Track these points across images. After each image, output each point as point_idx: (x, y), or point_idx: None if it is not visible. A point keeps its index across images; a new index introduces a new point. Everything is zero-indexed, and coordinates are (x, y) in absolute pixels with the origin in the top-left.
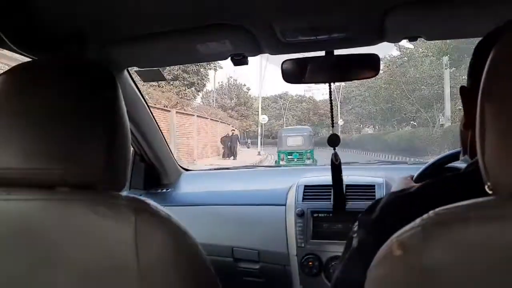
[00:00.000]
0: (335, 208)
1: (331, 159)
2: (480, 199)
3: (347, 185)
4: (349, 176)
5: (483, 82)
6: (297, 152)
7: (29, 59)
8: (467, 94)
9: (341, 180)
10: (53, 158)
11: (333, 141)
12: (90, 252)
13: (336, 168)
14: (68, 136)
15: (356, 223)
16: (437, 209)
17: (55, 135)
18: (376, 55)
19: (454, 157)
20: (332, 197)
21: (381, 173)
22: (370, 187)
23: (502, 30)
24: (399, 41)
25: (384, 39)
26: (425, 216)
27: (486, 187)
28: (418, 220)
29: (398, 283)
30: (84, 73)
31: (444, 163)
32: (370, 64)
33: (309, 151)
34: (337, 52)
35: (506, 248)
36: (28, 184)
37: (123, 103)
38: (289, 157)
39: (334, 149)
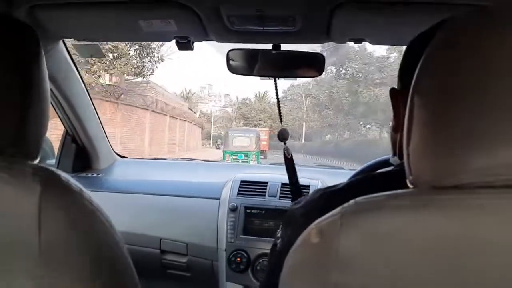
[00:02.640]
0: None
1: (284, 153)
2: (399, 191)
3: (282, 184)
4: (285, 176)
5: (415, 80)
6: (242, 153)
7: None
8: (396, 96)
9: (295, 173)
10: None
11: (283, 135)
12: None
13: (288, 160)
14: None
15: (281, 225)
16: (357, 198)
17: None
18: (321, 55)
19: (385, 163)
20: (266, 192)
21: (317, 175)
22: (305, 188)
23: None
24: (345, 42)
25: (330, 38)
26: (345, 204)
27: (407, 181)
28: (338, 209)
29: (313, 269)
30: (5, 31)
31: (375, 169)
32: (315, 64)
33: (255, 153)
34: (285, 48)
35: (419, 237)
36: None
37: (45, 70)
38: (233, 157)
39: (285, 143)
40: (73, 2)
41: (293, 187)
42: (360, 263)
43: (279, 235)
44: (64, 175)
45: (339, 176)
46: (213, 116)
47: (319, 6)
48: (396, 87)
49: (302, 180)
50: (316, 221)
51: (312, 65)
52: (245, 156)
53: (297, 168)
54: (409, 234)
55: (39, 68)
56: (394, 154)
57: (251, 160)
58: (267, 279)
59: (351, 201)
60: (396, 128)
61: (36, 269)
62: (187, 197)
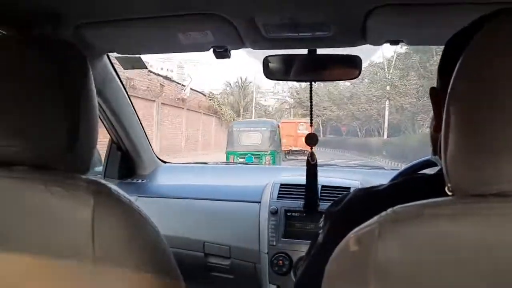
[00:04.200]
0: (306, 208)
1: (307, 159)
2: (437, 199)
3: (322, 186)
4: (326, 177)
5: (452, 82)
6: (251, 154)
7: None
8: (436, 96)
9: (315, 180)
10: (12, 136)
11: (311, 140)
12: (46, 232)
13: (310, 167)
14: (30, 114)
15: (322, 218)
16: (395, 207)
17: (16, 112)
18: (358, 57)
19: (427, 163)
20: (306, 196)
21: (358, 176)
22: (346, 189)
23: (468, 31)
24: (381, 44)
25: (366, 41)
26: (383, 213)
27: (446, 188)
28: (376, 217)
29: (353, 277)
30: (53, 51)
31: (417, 170)
32: (352, 66)
33: (269, 152)
34: (320, 51)
35: (458, 246)
36: None
37: (93, 86)
38: (240, 160)
39: (311, 148)
40: (117, 19)
41: (310, 194)
42: (399, 272)
43: (321, 225)
44: (114, 187)
45: (380, 177)
46: (272, 108)
47: (353, 11)
48: (436, 86)
49: (341, 182)
50: (355, 230)
51: (350, 67)
52: (255, 157)
53: (336, 168)
54: (448, 243)
55: (87, 84)
56: (435, 153)
57: (265, 163)
58: (305, 270)
59: (389, 210)
60: (436, 128)
61: (91, 273)
62: (228, 201)
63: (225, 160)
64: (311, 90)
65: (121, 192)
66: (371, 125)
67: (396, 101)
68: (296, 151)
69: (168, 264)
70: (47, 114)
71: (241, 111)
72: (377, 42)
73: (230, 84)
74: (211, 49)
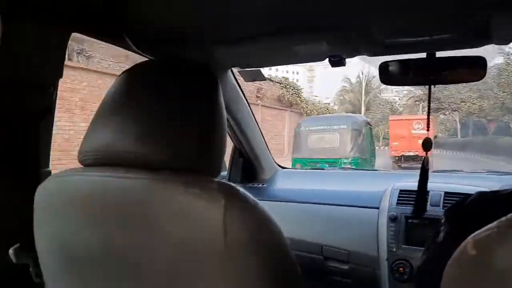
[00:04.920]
0: (415, 214)
1: (422, 163)
2: None
3: (446, 193)
4: (450, 184)
5: None
6: (325, 162)
7: (145, 59)
8: None
9: (426, 185)
10: (159, 145)
11: (428, 144)
12: (184, 227)
13: (424, 172)
14: (172, 126)
15: (443, 216)
16: None
17: (161, 125)
18: (483, 58)
19: None
20: (428, 202)
21: (487, 183)
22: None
23: None
24: (507, 43)
25: (491, 41)
26: (503, 218)
27: None
28: (495, 222)
29: (471, 283)
30: (189, 72)
31: None
32: (476, 67)
33: (350, 160)
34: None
35: None
36: (140, 166)
37: (222, 100)
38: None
39: (426, 153)
40: (241, 37)
41: (418, 200)
42: None
43: (442, 221)
44: (242, 190)
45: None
46: (399, 104)
47: (475, 9)
48: None
49: (466, 188)
50: (474, 234)
51: (473, 69)
52: (330, 165)
53: (463, 174)
54: None
55: (217, 99)
56: None
57: None
58: (423, 266)
59: (509, 215)
60: None
61: (222, 266)
62: (347, 206)
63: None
64: (429, 95)
65: (248, 194)
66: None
67: None
68: (410, 157)
69: (291, 264)
70: (185, 126)
71: (363, 109)
72: (504, 41)
73: (349, 79)
74: (327, 59)
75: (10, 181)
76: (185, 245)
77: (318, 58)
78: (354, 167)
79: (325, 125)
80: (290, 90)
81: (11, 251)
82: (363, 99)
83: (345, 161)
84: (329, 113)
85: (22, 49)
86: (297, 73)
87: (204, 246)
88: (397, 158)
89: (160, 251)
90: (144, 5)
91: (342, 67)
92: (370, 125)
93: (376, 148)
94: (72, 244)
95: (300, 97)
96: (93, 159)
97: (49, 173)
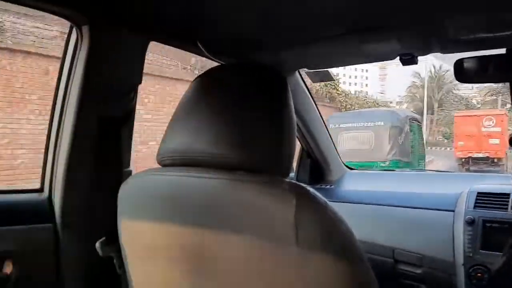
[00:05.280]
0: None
1: None
2: None
3: None
4: None
5: None
6: (360, 167)
7: (217, 64)
8: None
9: None
10: (234, 147)
11: None
12: (257, 225)
13: None
14: (244, 129)
15: None
16: None
17: (234, 128)
18: None
19: None
20: (509, 205)
21: None
22: None
23: None
24: None
25: None
26: None
27: None
28: None
29: None
30: (260, 75)
31: None
32: None
33: (388, 164)
34: None
35: None
36: (216, 166)
37: (291, 102)
38: None
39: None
40: (308, 39)
41: None
42: None
43: None
44: (312, 190)
45: None
46: (476, 100)
47: None
48: None
49: None
50: None
51: None
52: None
53: None
54: None
55: (287, 101)
56: None
57: None
58: (502, 267)
59: None
60: None
61: (296, 263)
62: (419, 209)
63: None
64: (511, 92)
65: (317, 194)
66: None
67: None
68: (479, 159)
69: (362, 263)
70: (258, 128)
71: (435, 106)
72: None
73: (419, 74)
74: (397, 57)
75: (97, 180)
76: (259, 243)
77: (388, 57)
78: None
79: (357, 122)
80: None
81: (97, 244)
82: (436, 97)
83: (381, 164)
84: (374, 107)
85: (107, 58)
86: (366, 70)
87: (276, 244)
88: (463, 160)
89: (235, 247)
90: (217, 12)
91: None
92: (418, 121)
93: (446, 149)
94: (152, 237)
95: (337, 89)
96: (171, 160)
97: (130, 172)
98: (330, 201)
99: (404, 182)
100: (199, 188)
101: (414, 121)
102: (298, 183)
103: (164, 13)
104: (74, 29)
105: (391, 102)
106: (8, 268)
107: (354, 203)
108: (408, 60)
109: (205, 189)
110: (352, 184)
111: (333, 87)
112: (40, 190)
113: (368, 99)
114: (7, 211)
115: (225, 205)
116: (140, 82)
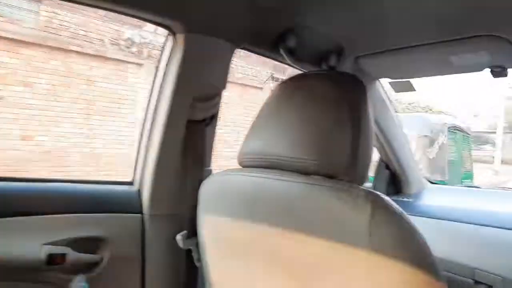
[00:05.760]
0: None
1: None
2: None
3: None
4: None
5: None
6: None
7: (299, 71)
8: None
9: None
10: (310, 151)
11: None
12: (331, 230)
13: None
14: (323, 135)
15: None
16: None
17: (313, 133)
18: None
19: None
20: None
21: None
22: None
23: None
24: None
25: None
26: None
27: None
28: None
29: None
30: (340, 83)
31: None
32: None
33: None
34: None
35: None
36: (293, 170)
37: (371, 111)
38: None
39: None
40: (392, 48)
41: None
42: None
43: None
44: (388, 199)
45: None
46: None
47: None
48: None
49: None
50: None
51: None
52: None
53: None
54: None
55: (365, 110)
56: None
57: None
58: None
59: None
60: None
61: (368, 269)
62: (504, 229)
63: None
64: None
65: (394, 203)
66: None
67: None
68: None
69: (436, 268)
70: (335, 135)
71: None
72: None
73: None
74: (486, 69)
75: (181, 177)
76: (332, 246)
77: (475, 68)
78: None
79: None
80: None
81: (178, 237)
82: None
83: None
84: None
85: (197, 64)
86: None
87: (349, 250)
88: None
89: (309, 248)
90: (303, 23)
91: None
92: (463, 131)
93: None
94: (231, 234)
95: None
96: (251, 162)
97: (211, 171)
98: (409, 214)
99: (489, 199)
100: (277, 190)
101: (456, 130)
102: (374, 191)
103: (252, 23)
104: (170, 37)
105: None
106: (101, 251)
107: (433, 218)
108: (499, 72)
109: (283, 191)
110: (432, 198)
111: None
112: (131, 183)
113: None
114: (103, 199)
115: (301, 207)
116: (224, 88)
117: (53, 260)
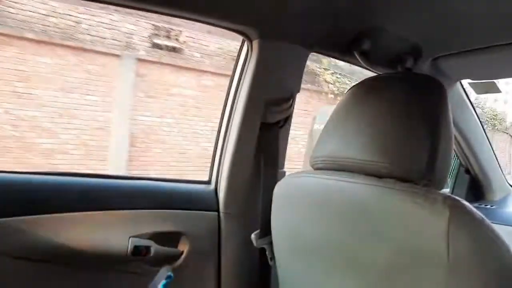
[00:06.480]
0: None
1: None
2: None
3: None
4: None
5: None
6: None
7: (373, 74)
8: None
9: None
10: (383, 154)
11: None
12: (405, 234)
13: None
14: (397, 136)
15: None
16: None
17: (386, 135)
18: None
19: None
20: None
21: None
22: None
23: None
24: None
25: None
26: None
27: None
28: None
29: None
30: (418, 85)
31: None
32: None
33: None
34: None
35: None
36: (366, 172)
37: (450, 113)
38: None
39: None
40: (473, 48)
41: None
42: None
43: None
44: (468, 204)
45: None
46: None
47: None
48: None
49: None
50: None
51: None
52: None
53: None
54: None
55: (445, 112)
56: None
57: None
58: None
59: None
60: None
61: (444, 276)
62: None
63: None
64: None
65: (474, 209)
66: None
67: None
68: None
69: None
70: (412, 138)
71: None
72: None
73: None
74: None
75: (256, 177)
76: (405, 251)
77: None
78: None
79: None
80: None
81: (252, 236)
82: None
83: None
84: None
85: (272, 69)
86: None
87: (424, 255)
88: None
89: (379, 252)
90: (379, 26)
91: None
92: None
93: None
94: (300, 232)
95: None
96: (323, 164)
97: (284, 173)
98: (491, 222)
99: None
100: (349, 193)
101: None
102: (453, 196)
103: (327, 28)
104: (245, 44)
105: None
106: (181, 245)
107: None
108: None
109: (356, 194)
110: None
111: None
112: (208, 182)
113: None
114: (182, 197)
115: (374, 211)
116: (298, 91)
117: (139, 251)
